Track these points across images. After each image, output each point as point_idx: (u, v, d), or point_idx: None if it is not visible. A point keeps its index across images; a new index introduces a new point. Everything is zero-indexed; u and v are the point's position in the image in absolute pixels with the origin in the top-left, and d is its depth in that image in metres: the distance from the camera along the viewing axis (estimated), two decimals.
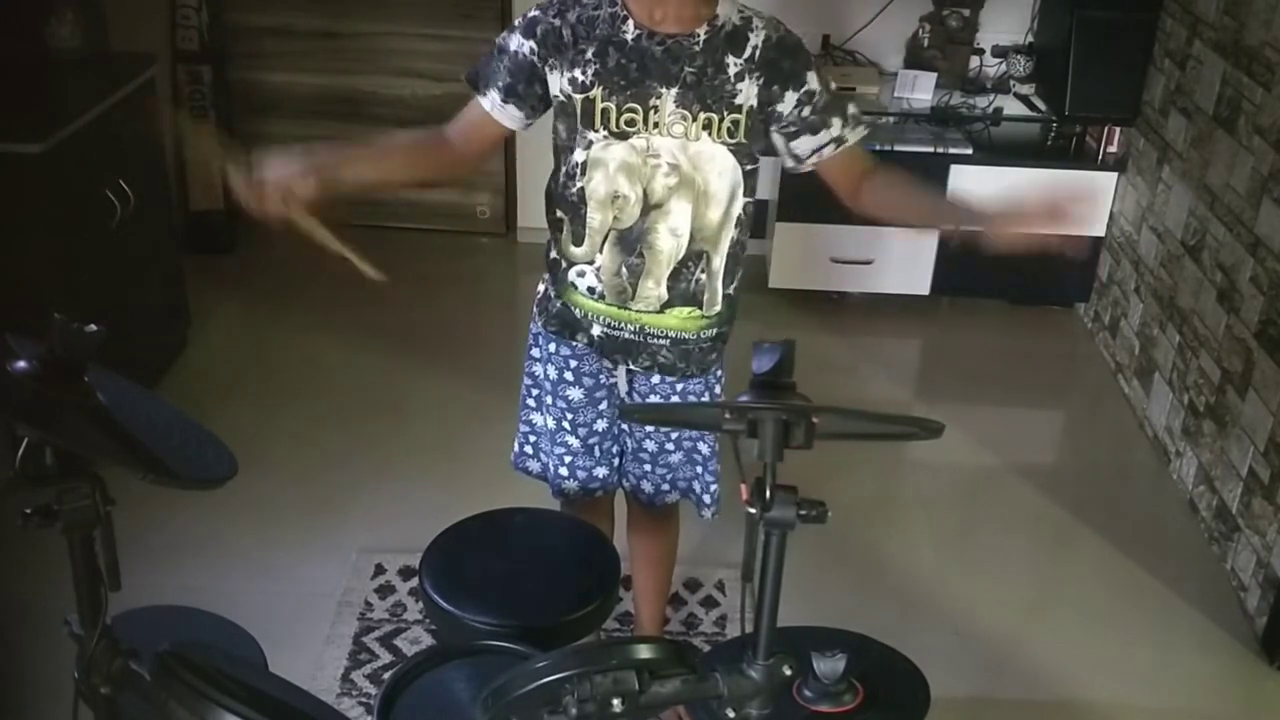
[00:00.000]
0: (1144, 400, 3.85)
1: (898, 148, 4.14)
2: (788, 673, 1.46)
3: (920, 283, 4.34)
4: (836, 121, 2.07)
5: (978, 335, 4.39)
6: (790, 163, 2.12)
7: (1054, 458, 3.86)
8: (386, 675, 2.53)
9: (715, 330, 2.20)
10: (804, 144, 2.08)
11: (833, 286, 4.41)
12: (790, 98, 2.03)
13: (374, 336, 4.08)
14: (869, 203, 2.14)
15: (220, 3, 4.49)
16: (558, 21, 2.01)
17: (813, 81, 2.04)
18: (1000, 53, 4.40)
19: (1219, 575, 3.20)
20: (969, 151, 4.16)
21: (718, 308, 2.18)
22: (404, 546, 3.03)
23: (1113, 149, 4.21)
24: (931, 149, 4.14)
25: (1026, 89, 4.31)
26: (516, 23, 2.06)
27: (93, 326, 1.39)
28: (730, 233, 2.12)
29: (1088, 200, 1.88)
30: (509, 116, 2.09)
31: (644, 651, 1.42)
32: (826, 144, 2.08)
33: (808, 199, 4.27)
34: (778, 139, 2.09)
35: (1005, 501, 3.50)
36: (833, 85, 2.10)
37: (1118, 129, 4.17)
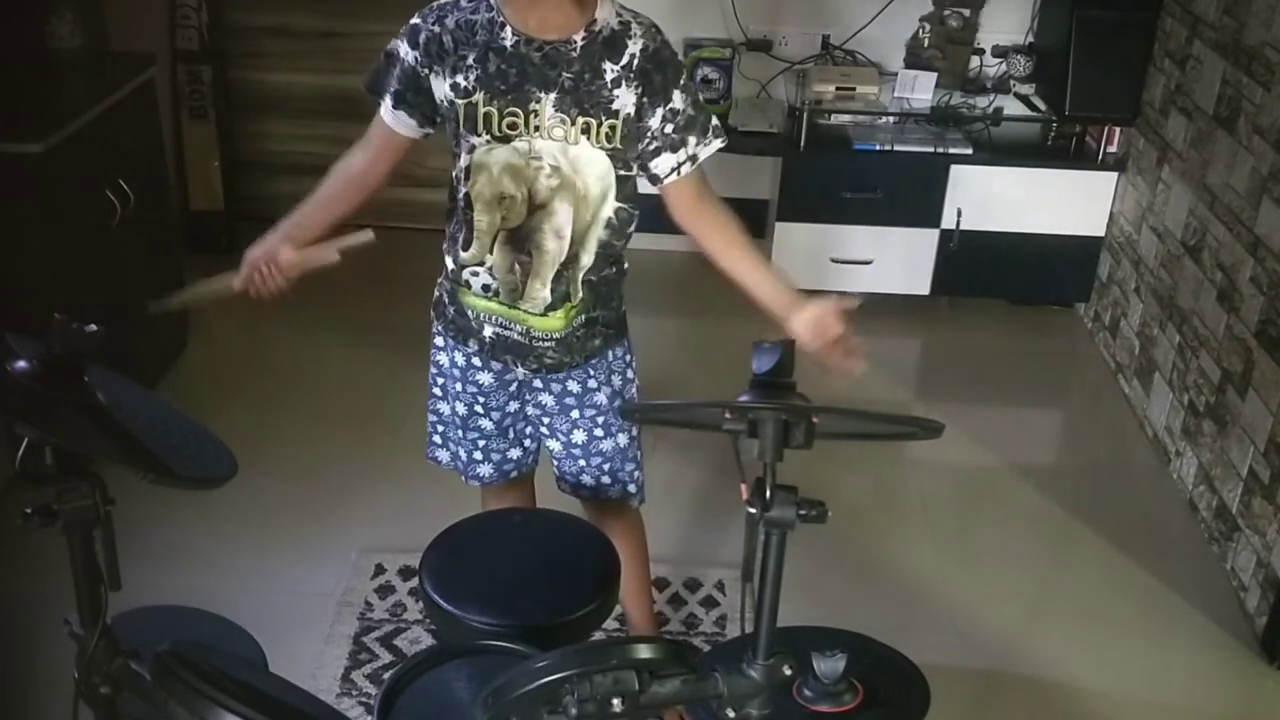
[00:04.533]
0: (1144, 400, 3.85)
1: (898, 147, 4.15)
2: (788, 673, 1.46)
3: (920, 283, 4.34)
4: (692, 139, 2.10)
5: (978, 335, 4.39)
6: (650, 183, 2.14)
7: (1053, 457, 3.86)
8: (386, 675, 2.53)
9: (583, 316, 2.21)
10: (663, 162, 2.10)
11: (833, 286, 4.40)
12: (658, 113, 2.06)
13: (373, 336, 4.08)
14: (707, 228, 2.16)
15: (220, 3, 4.49)
16: (438, 29, 2.04)
17: (677, 99, 2.07)
18: (1000, 53, 4.40)
19: (1219, 575, 3.20)
20: (969, 151, 4.16)
21: (580, 294, 2.19)
22: (404, 546, 3.03)
23: (1113, 149, 4.21)
24: (931, 149, 4.15)
25: (1026, 89, 4.31)
26: (403, 29, 2.08)
27: (93, 326, 1.39)
28: (598, 233, 2.14)
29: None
30: (403, 124, 2.13)
31: (644, 651, 1.42)
32: (683, 162, 2.10)
33: (807, 199, 4.30)
34: (640, 157, 2.11)
35: (1005, 501, 3.50)
36: (699, 99, 2.13)
37: (1118, 129, 4.17)
